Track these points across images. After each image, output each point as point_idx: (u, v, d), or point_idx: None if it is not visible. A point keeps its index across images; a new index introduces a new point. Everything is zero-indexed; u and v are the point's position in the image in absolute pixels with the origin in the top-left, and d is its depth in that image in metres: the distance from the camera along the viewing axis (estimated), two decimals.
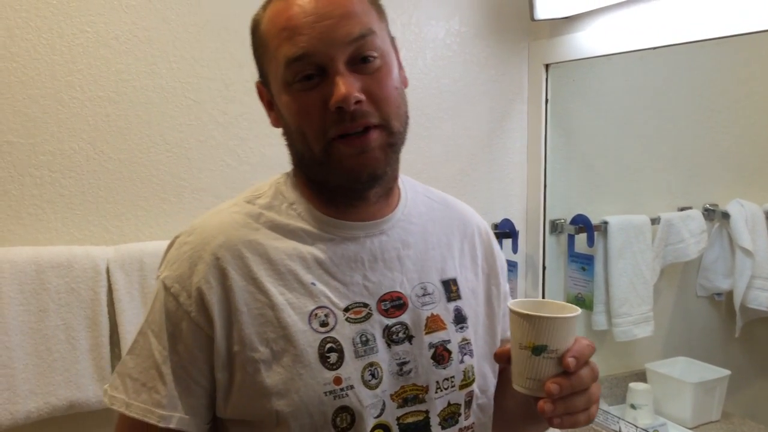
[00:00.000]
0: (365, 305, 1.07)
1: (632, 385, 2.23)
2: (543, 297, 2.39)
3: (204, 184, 1.93)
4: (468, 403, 1.14)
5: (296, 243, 1.08)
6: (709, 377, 2.22)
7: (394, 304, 1.09)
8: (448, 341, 1.12)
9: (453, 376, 1.11)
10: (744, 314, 2.26)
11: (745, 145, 2.37)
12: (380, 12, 1.10)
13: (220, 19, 1.91)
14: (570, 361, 0.96)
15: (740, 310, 2.25)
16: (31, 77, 1.73)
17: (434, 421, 1.09)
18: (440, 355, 1.10)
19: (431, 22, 2.21)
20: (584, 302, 2.32)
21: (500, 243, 2.00)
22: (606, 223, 2.32)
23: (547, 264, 2.38)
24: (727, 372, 2.21)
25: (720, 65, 2.27)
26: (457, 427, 1.12)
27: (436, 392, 1.09)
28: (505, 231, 2.33)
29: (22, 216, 1.74)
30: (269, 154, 1.99)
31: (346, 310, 1.06)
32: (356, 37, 1.01)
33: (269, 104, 1.14)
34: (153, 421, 1.03)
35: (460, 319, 1.15)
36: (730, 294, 2.30)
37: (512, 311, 1.00)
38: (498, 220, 2.36)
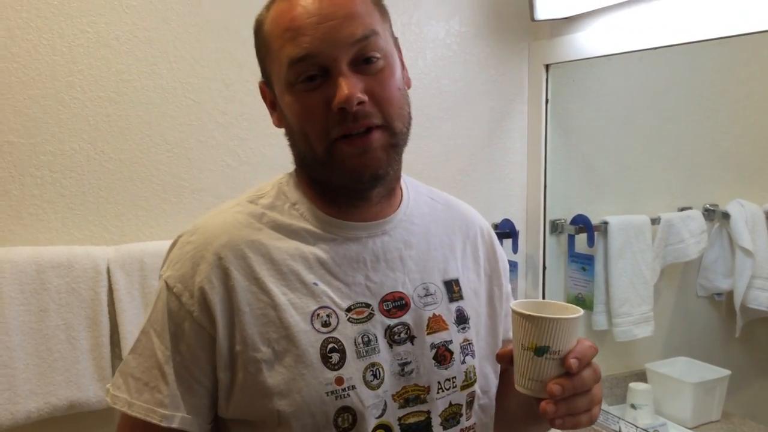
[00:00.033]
0: (367, 305, 1.07)
1: (632, 385, 2.23)
2: (543, 297, 2.39)
3: (204, 184, 1.93)
4: (469, 404, 1.14)
5: (298, 243, 1.08)
6: (709, 377, 2.23)
7: (396, 304, 1.09)
8: (450, 342, 1.12)
9: (455, 377, 1.11)
10: (744, 314, 2.26)
11: (745, 145, 2.37)
12: (383, 13, 1.10)
13: (220, 20, 1.91)
14: (572, 362, 0.96)
15: (740, 310, 2.25)
16: (31, 77, 1.73)
17: (435, 421, 1.09)
18: (442, 356, 1.10)
19: (431, 22, 2.21)
20: (584, 302, 2.32)
21: (500, 243, 2.01)
22: (606, 223, 2.32)
23: (547, 264, 2.38)
24: (727, 372, 2.21)
25: (720, 65, 2.27)
26: (459, 427, 1.12)
27: (438, 393, 1.09)
28: (505, 231, 2.33)
29: (23, 216, 1.74)
30: (269, 155, 1.99)
31: (348, 310, 1.06)
32: (359, 38, 1.01)
33: (272, 104, 1.14)
34: (155, 420, 1.03)
35: (462, 319, 1.15)
36: (730, 294, 2.30)
37: (515, 312, 1.00)
38: (498, 220, 2.36)
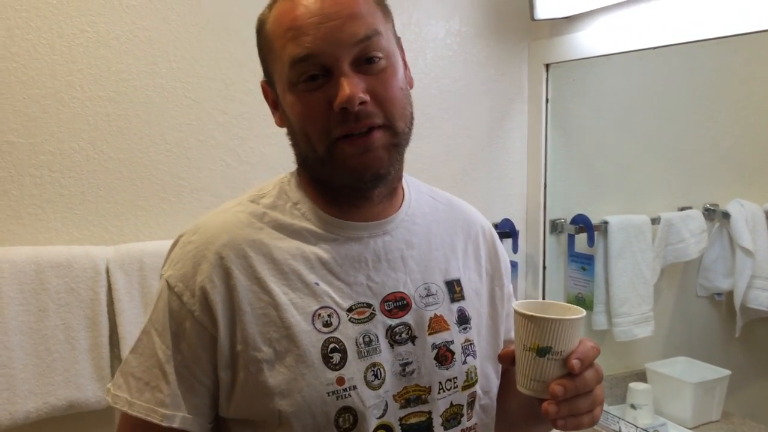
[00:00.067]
0: (369, 305, 1.07)
1: (632, 385, 2.23)
2: (543, 297, 2.39)
3: (204, 183, 1.93)
4: (470, 404, 1.14)
5: (300, 243, 1.08)
6: (709, 377, 2.22)
7: (398, 304, 1.09)
8: (452, 342, 1.11)
9: (456, 377, 1.11)
10: (744, 314, 2.26)
11: (745, 145, 2.37)
12: (386, 12, 1.10)
13: (220, 19, 1.91)
14: (575, 362, 0.96)
15: (740, 309, 2.25)
16: (31, 77, 1.72)
17: (437, 421, 1.09)
18: (443, 356, 1.10)
19: (431, 21, 2.21)
20: (584, 302, 2.32)
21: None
22: (606, 222, 2.32)
23: (547, 264, 2.38)
24: (727, 372, 2.21)
25: (720, 65, 2.27)
26: (460, 427, 1.12)
27: (439, 393, 1.09)
28: (505, 231, 2.33)
29: (22, 216, 1.74)
30: (269, 154, 1.99)
31: (350, 310, 1.06)
32: (361, 38, 1.01)
33: (274, 104, 1.13)
34: (156, 420, 1.03)
35: (463, 319, 1.14)
36: (730, 294, 2.30)
37: (517, 313, 0.99)
38: (498, 219, 2.35)
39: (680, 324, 2.43)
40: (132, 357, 1.08)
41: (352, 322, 1.05)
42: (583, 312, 1.00)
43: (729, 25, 1.71)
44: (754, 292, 2.23)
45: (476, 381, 1.14)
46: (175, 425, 1.03)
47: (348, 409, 1.02)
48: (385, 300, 1.08)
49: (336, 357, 1.03)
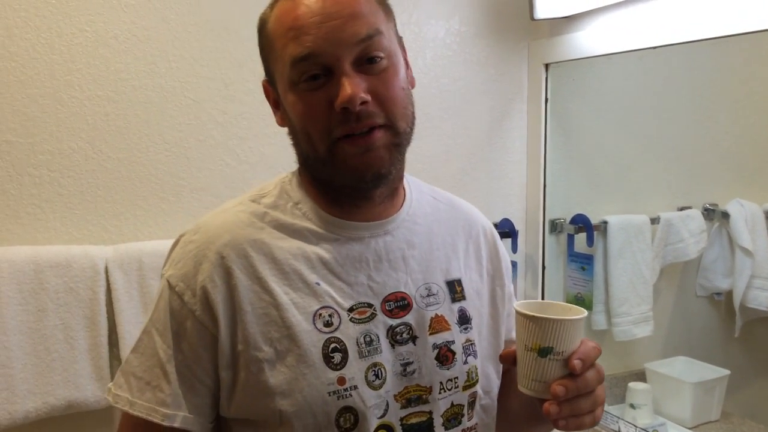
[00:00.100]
0: (370, 305, 1.07)
1: (631, 384, 2.23)
2: (542, 297, 2.39)
3: (203, 183, 1.92)
4: (471, 404, 1.14)
5: (301, 243, 1.08)
6: (708, 377, 2.22)
7: (399, 304, 1.09)
8: (452, 342, 1.11)
9: (456, 377, 1.11)
10: (743, 314, 2.26)
11: (744, 144, 2.37)
12: (388, 12, 1.10)
13: (219, 19, 1.91)
14: (576, 363, 0.96)
15: (740, 309, 2.25)
16: (30, 76, 1.72)
17: (437, 421, 1.09)
18: (444, 356, 1.10)
19: (431, 21, 2.21)
20: (584, 302, 2.32)
21: None
22: (605, 222, 2.32)
23: (546, 264, 2.38)
24: (726, 372, 2.21)
25: (720, 65, 2.27)
26: (461, 427, 1.12)
27: (440, 393, 1.09)
28: (504, 230, 2.33)
29: (21, 215, 1.74)
30: (268, 154, 1.98)
31: (351, 310, 1.06)
32: (363, 37, 1.01)
33: (275, 103, 1.13)
34: (157, 419, 1.03)
35: (464, 319, 1.14)
36: (729, 294, 2.30)
37: (518, 313, 0.99)
38: (497, 219, 2.35)
39: (679, 324, 2.43)
40: (133, 356, 1.08)
41: (353, 322, 1.05)
42: (585, 312, 1.00)
43: (729, 25, 1.71)
44: (753, 292, 2.23)
45: (477, 381, 1.14)
46: (176, 425, 1.03)
47: (349, 409, 1.02)
48: (386, 300, 1.08)
49: (337, 357, 1.03)
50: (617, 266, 2.31)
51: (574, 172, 2.39)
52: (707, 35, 1.76)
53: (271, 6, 1.08)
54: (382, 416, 1.04)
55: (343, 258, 1.08)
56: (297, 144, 1.10)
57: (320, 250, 1.08)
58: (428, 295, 1.12)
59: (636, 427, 2.11)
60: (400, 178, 1.16)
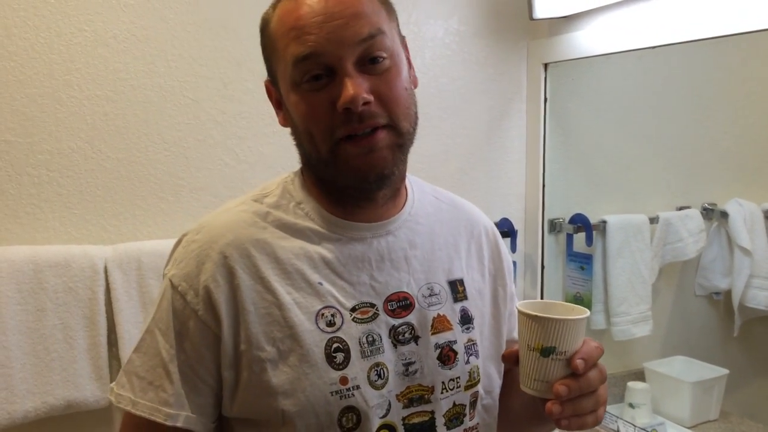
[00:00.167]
0: (372, 305, 1.07)
1: (630, 384, 2.23)
2: (542, 296, 2.39)
3: (202, 183, 1.92)
4: (473, 404, 1.14)
5: (303, 242, 1.08)
6: (707, 376, 2.22)
7: (401, 304, 1.09)
8: (454, 342, 1.11)
9: (458, 377, 1.11)
10: (742, 313, 2.26)
11: (743, 144, 2.37)
12: (390, 11, 1.10)
13: (218, 18, 1.90)
14: (579, 363, 0.96)
15: (738, 309, 2.26)
16: (29, 76, 1.72)
17: (439, 421, 1.09)
18: (446, 356, 1.10)
19: (430, 21, 2.21)
20: (583, 301, 2.32)
21: None
22: (605, 222, 2.32)
23: (545, 263, 2.38)
24: (725, 371, 2.21)
25: (719, 64, 2.27)
26: (462, 427, 1.12)
27: (442, 393, 1.09)
28: (503, 230, 2.33)
29: (20, 215, 1.73)
30: (268, 153, 1.98)
31: (353, 310, 1.06)
32: (365, 37, 1.00)
33: (278, 103, 1.13)
34: (159, 419, 1.03)
35: (466, 319, 1.14)
36: (728, 293, 2.30)
37: (521, 313, 0.99)
38: (496, 219, 2.35)
39: (678, 323, 2.43)
40: (135, 356, 1.08)
41: (356, 321, 1.05)
42: (587, 312, 1.00)
43: (728, 25, 1.71)
44: (752, 292, 2.23)
45: (479, 381, 1.14)
46: (178, 424, 1.03)
47: (351, 409, 1.02)
48: (388, 300, 1.08)
49: (339, 357, 1.03)
50: (616, 266, 2.31)
51: (573, 172, 2.39)
52: (706, 35, 1.76)
53: (273, 6, 1.08)
54: (385, 416, 1.04)
55: (346, 258, 1.08)
56: (300, 144, 1.10)
57: (323, 250, 1.08)
58: (430, 295, 1.12)
59: (635, 426, 2.11)
60: (403, 178, 1.15)
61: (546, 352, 0.97)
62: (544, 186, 2.36)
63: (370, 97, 1.00)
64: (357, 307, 1.06)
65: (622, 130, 2.41)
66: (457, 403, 1.11)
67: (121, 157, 1.82)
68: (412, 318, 1.09)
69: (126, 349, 1.73)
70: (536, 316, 0.97)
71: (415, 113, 1.09)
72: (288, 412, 1.00)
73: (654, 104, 2.41)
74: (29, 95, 1.72)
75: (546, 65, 2.31)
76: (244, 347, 1.02)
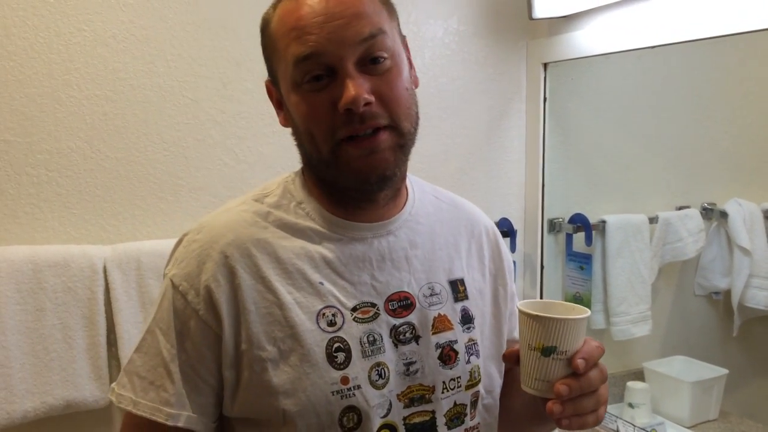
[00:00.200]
0: (373, 305, 1.07)
1: (630, 384, 2.23)
2: (541, 296, 2.39)
3: (201, 183, 1.92)
4: (474, 404, 1.14)
5: (304, 242, 1.08)
6: (706, 376, 2.23)
7: (402, 304, 1.09)
8: (455, 341, 1.11)
9: (459, 377, 1.11)
10: (742, 313, 2.26)
11: (743, 144, 2.37)
12: (391, 11, 1.10)
13: (217, 18, 1.90)
14: (579, 362, 0.96)
15: (738, 309, 2.26)
16: (28, 76, 1.71)
17: (440, 421, 1.09)
18: (447, 356, 1.10)
19: (430, 20, 2.20)
20: (582, 301, 2.32)
21: None
22: (604, 222, 2.32)
23: (545, 263, 2.38)
24: (724, 371, 2.22)
25: (718, 64, 2.27)
26: (463, 427, 1.12)
27: (443, 392, 1.09)
28: (503, 230, 2.32)
29: (19, 215, 1.73)
30: (267, 153, 1.98)
31: (354, 309, 1.06)
32: (366, 37, 1.00)
33: (278, 103, 1.13)
34: (161, 419, 1.02)
35: (466, 319, 1.14)
36: (727, 293, 2.31)
37: (522, 312, 0.99)
38: (496, 219, 2.35)
39: (678, 323, 2.43)
40: (136, 356, 1.08)
41: (357, 321, 1.05)
42: (588, 312, 1.00)
43: (727, 25, 1.71)
44: (751, 291, 2.24)
45: (479, 380, 1.14)
46: (180, 424, 1.03)
47: (352, 409, 1.02)
48: (389, 299, 1.08)
49: (340, 356, 1.02)
50: (616, 265, 2.31)
51: (573, 172, 2.39)
52: (705, 35, 1.76)
53: (274, 6, 1.08)
54: (385, 416, 1.04)
55: (347, 258, 1.08)
56: (301, 145, 1.10)
57: (324, 250, 1.08)
58: (431, 295, 1.12)
59: (634, 426, 2.11)
60: (403, 178, 1.15)
61: (547, 351, 0.97)
62: (543, 186, 2.36)
63: (372, 98, 1.00)
64: (358, 306, 1.06)
65: (622, 129, 2.41)
66: (457, 402, 1.11)
67: (121, 156, 1.82)
68: (413, 318, 1.09)
69: (125, 349, 1.73)
70: (537, 315, 0.97)
71: (416, 113, 1.09)
72: (289, 412, 1.00)
73: (653, 104, 2.41)
74: (28, 95, 1.72)
75: (545, 65, 2.31)
76: (245, 347, 1.02)
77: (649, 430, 2.10)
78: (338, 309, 1.05)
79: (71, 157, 1.77)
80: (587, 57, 2.14)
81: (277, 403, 1.00)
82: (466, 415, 1.12)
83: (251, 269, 1.04)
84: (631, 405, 2.19)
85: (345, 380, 1.02)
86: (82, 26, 1.76)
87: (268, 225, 1.08)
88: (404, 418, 1.06)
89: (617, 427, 2.13)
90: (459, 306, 1.14)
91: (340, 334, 1.03)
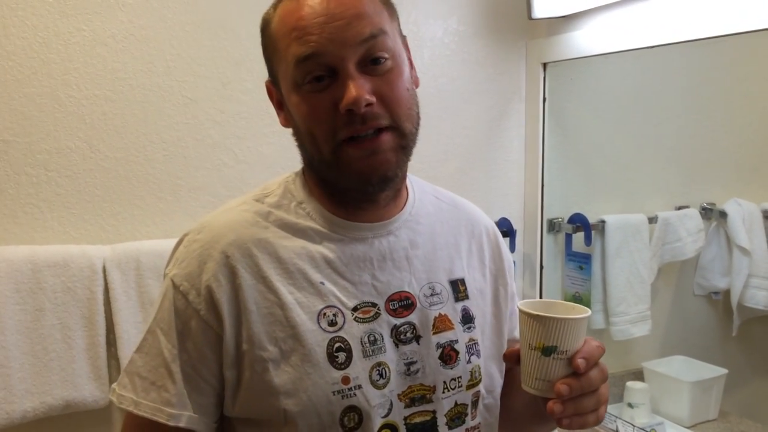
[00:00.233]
0: (374, 305, 1.07)
1: (629, 383, 2.23)
2: (540, 296, 2.39)
3: (200, 182, 1.92)
4: (474, 404, 1.14)
5: (305, 242, 1.08)
6: (706, 376, 2.23)
7: (403, 303, 1.09)
8: (456, 341, 1.11)
9: (460, 377, 1.11)
10: (741, 313, 2.26)
11: (742, 144, 2.37)
12: (392, 11, 1.10)
13: (217, 18, 1.90)
14: (580, 362, 0.96)
15: (737, 308, 2.26)
16: (27, 76, 1.71)
17: (441, 421, 1.09)
18: (447, 355, 1.10)
19: (429, 21, 2.20)
20: (581, 301, 2.32)
21: None
22: (603, 222, 2.32)
23: (544, 263, 2.38)
24: (724, 371, 2.22)
25: (717, 64, 2.27)
26: (464, 427, 1.12)
27: (444, 392, 1.09)
28: (502, 230, 2.31)
29: (18, 215, 1.73)
30: (266, 153, 1.98)
31: (355, 309, 1.06)
32: (367, 37, 1.00)
33: (279, 104, 1.13)
34: (162, 419, 1.02)
35: (467, 319, 1.14)
36: (727, 293, 2.31)
37: (522, 312, 0.99)
38: (496, 219, 2.35)
39: (677, 323, 2.43)
40: (137, 356, 1.07)
41: (357, 321, 1.05)
42: (589, 311, 1.00)
43: (726, 25, 1.71)
44: (750, 291, 2.24)
45: (480, 380, 1.14)
46: (181, 425, 1.03)
47: (353, 409, 1.02)
48: (390, 299, 1.08)
49: (341, 356, 1.02)
50: (615, 265, 2.31)
51: (572, 172, 2.39)
52: (704, 35, 1.76)
53: (274, 6, 1.08)
54: (386, 416, 1.04)
55: (347, 257, 1.08)
56: (302, 146, 1.10)
57: (324, 250, 1.08)
58: (432, 295, 1.12)
59: (634, 426, 2.11)
60: (404, 178, 1.16)
61: (547, 351, 0.97)
62: (543, 186, 2.36)
63: (373, 99, 1.00)
64: (359, 306, 1.06)
65: (621, 129, 2.41)
66: (458, 402, 1.11)
67: (120, 156, 1.82)
68: (413, 317, 1.09)
69: (125, 349, 1.73)
70: (537, 315, 0.97)
71: (417, 114, 1.09)
72: (290, 412, 1.00)
73: (653, 104, 2.41)
74: (27, 95, 1.71)
75: (545, 65, 2.31)
76: (246, 347, 1.02)
77: (648, 430, 2.10)
78: (339, 309, 1.05)
79: (70, 157, 1.77)
80: (586, 57, 2.14)
81: (278, 403, 1.00)
82: (466, 415, 1.12)
83: (252, 269, 1.04)
84: (630, 405, 2.19)
85: (346, 380, 1.02)
86: (81, 26, 1.76)
87: (269, 225, 1.08)
88: (405, 418, 1.06)
89: (617, 427, 2.13)
90: (459, 306, 1.14)
91: (341, 333, 1.03)
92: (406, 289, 1.10)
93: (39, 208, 1.75)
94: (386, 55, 1.02)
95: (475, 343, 1.14)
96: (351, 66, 0.99)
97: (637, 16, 1.95)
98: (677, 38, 1.84)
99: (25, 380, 1.65)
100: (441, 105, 2.24)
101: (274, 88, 1.12)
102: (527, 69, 2.37)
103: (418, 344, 1.08)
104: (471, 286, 1.18)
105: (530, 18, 2.22)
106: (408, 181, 1.19)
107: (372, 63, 1.01)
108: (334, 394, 1.01)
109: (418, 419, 1.07)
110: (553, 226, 2.38)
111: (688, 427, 2.18)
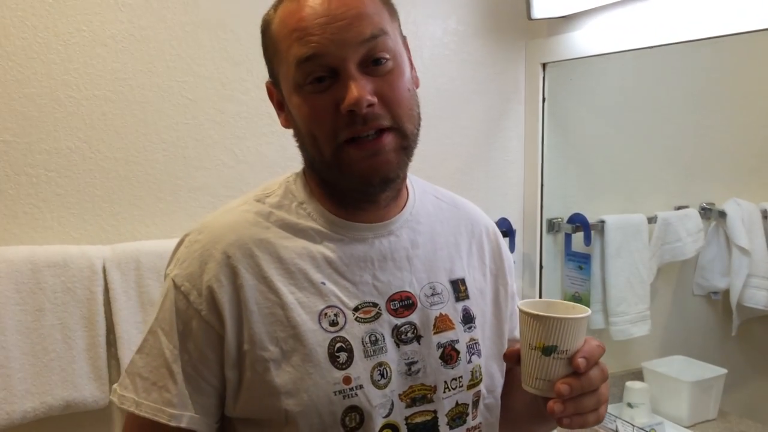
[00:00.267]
0: (375, 305, 1.07)
1: (629, 383, 2.23)
2: (540, 296, 2.39)
3: (200, 183, 1.92)
4: (475, 403, 1.14)
5: (306, 242, 1.08)
6: (705, 376, 2.23)
7: (404, 303, 1.09)
8: (457, 341, 1.11)
9: (461, 376, 1.11)
10: (740, 313, 2.27)
11: (742, 144, 2.37)
12: (392, 12, 1.10)
13: (216, 18, 1.90)
14: (580, 361, 0.96)
15: (737, 308, 2.26)
16: (27, 76, 1.71)
17: (442, 421, 1.09)
18: (448, 355, 1.10)
19: (428, 20, 2.20)
20: (581, 301, 2.32)
21: None
22: (603, 222, 2.32)
23: (544, 263, 2.38)
24: (723, 371, 2.22)
25: (717, 64, 2.27)
26: (465, 427, 1.12)
27: (444, 392, 1.09)
28: (502, 230, 2.30)
29: (18, 215, 1.73)
30: (266, 153, 1.98)
31: (356, 309, 1.06)
32: (368, 38, 1.00)
33: (279, 105, 1.13)
34: (163, 420, 1.02)
35: (468, 319, 1.15)
36: (726, 293, 2.31)
37: (522, 312, 0.99)
38: (495, 219, 2.34)
39: (677, 323, 2.44)
40: (138, 357, 1.07)
41: (359, 321, 1.05)
42: (589, 311, 1.00)
43: (725, 25, 1.71)
44: (750, 291, 2.24)
45: (481, 380, 1.14)
46: (182, 425, 1.03)
47: (354, 409, 1.02)
48: (390, 299, 1.08)
49: (342, 356, 1.02)
50: (614, 265, 2.31)
51: (572, 172, 2.40)
52: (704, 35, 1.77)
53: (275, 7, 1.08)
54: (387, 415, 1.04)
55: (348, 257, 1.08)
56: (303, 146, 1.10)
57: (325, 250, 1.08)
58: (432, 295, 1.12)
59: (633, 426, 2.11)
60: (405, 179, 1.16)
61: (547, 350, 0.97)
62: (542, 186, 2.36)
63: (374, 99, 1.00)
64: (360, 306, 1.06)
65: (621, 129, 2.41)
66: (459, 402, 1.11)
67: (120, 156, 1.82)
68: (414, 317, 1.09)
69: (125, 349, 1.73)
70: (538, 315, 0.97)
71: (418, 114, 1.09)
72: (291, 412, 1.00)
73: (652, 104, 2.41)
74: (27, 95, 1.71)
75: (544, 65, 2.31)
76: (247, 347, 1.02)
77: (648, 429, 2.10)
78: (340, 309, 1.05)
79: (70, 157, 1.77)
80: (586, 57, 2.14)
81: (280, 403, 1.00)
82: (467, 414, 1.12)
83: (253, 269, 1.04)
84: (630, 405, 2.19)
85: (347, 380, 1.02)
86: (81, 26, 1.76)
87: (270, 225, 1.08)
88: (406, 418, 1.06)
89: (616, 426, 2.13)
90: (460, 306, 1.14)
91: (342, 334, 1.03)
92: (407, 289, 1.10)
93: (39, 208, 1.75)
94: (387, 56, 1.02)
95: (475, 343, 1.14)
96: (352, 67, 0.99)
97: (636, 17, 1.95)
98: (677, 38, 1.84)
99: (25, 380, 1.65)
100: (440, 105, 2.24)
101: (274, 89, 1.12)
102: (527, 69, 2.37)
103: (419, 344, 1.08)
104: (471, 286, 1.18)
105: (530, 18, 2.22)
106: (408, 181, 1.19)
107: (373, 64, 1.01)
108: (335, 394, 1.01)
109: (419, 419, 1.07)
110: (552, 226, 2.38)
111: (687, 427, 2.18)
